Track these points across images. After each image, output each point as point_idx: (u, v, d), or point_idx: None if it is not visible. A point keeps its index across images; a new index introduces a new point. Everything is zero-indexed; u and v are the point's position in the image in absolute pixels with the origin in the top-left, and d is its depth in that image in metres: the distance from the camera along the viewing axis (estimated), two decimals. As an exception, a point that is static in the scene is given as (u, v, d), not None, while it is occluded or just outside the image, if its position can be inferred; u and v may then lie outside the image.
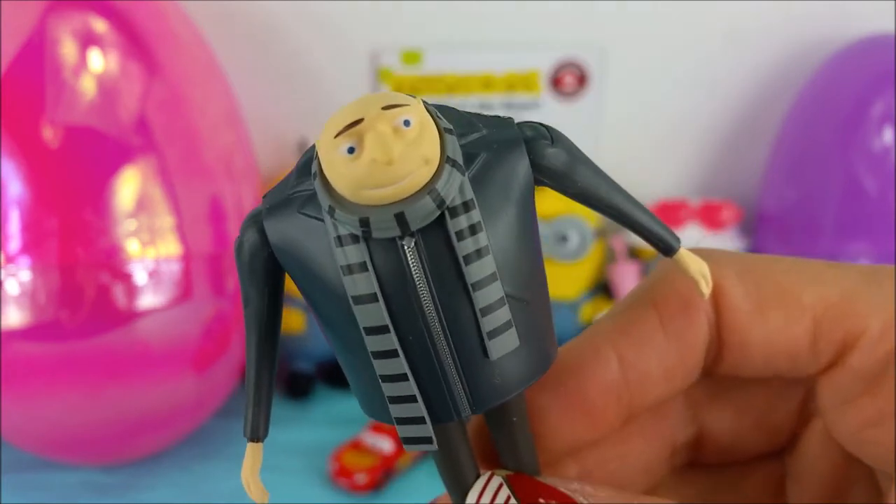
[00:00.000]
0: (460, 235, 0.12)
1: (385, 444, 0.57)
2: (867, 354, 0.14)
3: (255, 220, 0.13)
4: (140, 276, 0.48)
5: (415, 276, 0.12)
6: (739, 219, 0.71)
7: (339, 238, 0.12)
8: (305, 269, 0.12)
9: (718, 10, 0.73)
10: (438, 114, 0.12)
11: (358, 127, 0.11)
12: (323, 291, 0.12)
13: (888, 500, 0.14)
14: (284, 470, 0.57)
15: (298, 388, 0.70)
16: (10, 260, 0.46)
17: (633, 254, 0.73)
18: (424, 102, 0.12)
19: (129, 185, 0.48)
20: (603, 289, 0.74)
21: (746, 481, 0.18)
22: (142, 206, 0.48)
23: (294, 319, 0.69)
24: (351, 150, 0.11)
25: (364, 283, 0.12)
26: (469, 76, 0.74)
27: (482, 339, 0.12)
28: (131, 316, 0.48)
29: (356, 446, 0.57)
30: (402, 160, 0.11)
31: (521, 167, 0.12)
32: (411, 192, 0.11)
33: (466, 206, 0.12)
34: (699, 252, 0.15)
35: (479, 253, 0.12)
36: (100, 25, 0.49)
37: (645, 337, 0.15)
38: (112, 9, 0.50)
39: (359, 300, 0.12)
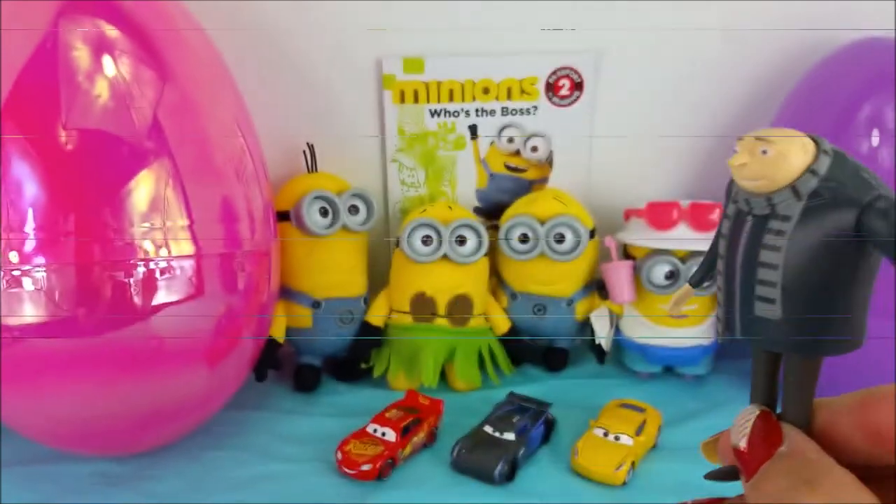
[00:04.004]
0: (770, 231, 0.18)
1: (389, 435, 0.58)
2: None
3: None
4: (154, 275, 0.49)
5: (742, 238, 0.19)
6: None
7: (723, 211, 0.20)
8: None
9: (715, 12, 0.74)
10: (827, 156, 0.18)
11: (742, 143, 0.18)
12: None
13: None
14: (293, 459, 0.59)
15: (306, 381, 0.71)
16: (28, 259, 0.47)
17: (626, 253, 0.73)
18: (822, 147, 0.18)
19: (143, 188, 0.49)
20: (596, 286, 0.75)
21: None
22: (155, 207, 0.49)
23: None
24: None
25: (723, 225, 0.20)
26: (469, 82, 0.76)
27: (753, 298, 0.19)
28: (145, 313, 0.49)
29: (361, 437, 0.58)
30: (751, 170, 0.18)
31: (846, 219, 0.18)
32: (759, 193, 0.18)
33: (785, 218, 0.18)
34: None
35: (774, 248, 0.18)
36: (113, 32, 0.50)
37: None
38: (124, 16, 0.51)
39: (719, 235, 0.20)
